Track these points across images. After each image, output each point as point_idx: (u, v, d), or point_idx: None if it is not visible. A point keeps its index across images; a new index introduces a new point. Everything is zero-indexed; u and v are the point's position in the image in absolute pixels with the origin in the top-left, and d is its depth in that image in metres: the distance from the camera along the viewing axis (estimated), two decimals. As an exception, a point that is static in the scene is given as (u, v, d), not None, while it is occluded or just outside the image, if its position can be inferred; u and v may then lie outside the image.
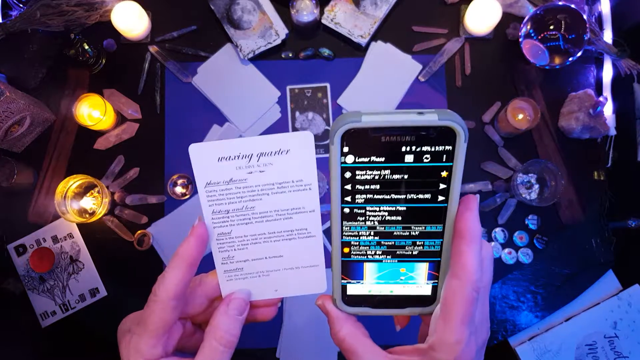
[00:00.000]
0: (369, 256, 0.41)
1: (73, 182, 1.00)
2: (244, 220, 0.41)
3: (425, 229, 0.39)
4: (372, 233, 0.39)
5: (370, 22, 1.07)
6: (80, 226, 1.06)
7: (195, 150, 0.39)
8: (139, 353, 0.39)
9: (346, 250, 0.40)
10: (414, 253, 0.40)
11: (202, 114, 1.10)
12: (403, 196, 0.37)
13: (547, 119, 1.08)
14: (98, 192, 1.02)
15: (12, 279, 1.07)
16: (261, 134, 1.09)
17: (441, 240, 0.39)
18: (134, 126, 1.08)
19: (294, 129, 1.09)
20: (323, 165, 1.07)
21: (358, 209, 0.38)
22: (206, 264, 0.42)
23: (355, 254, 0.41)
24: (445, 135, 0.34)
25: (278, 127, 1.10)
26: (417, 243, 0.40)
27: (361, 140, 0.35)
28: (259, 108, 1.10)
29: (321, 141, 1.08)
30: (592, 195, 1.07)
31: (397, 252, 0.40)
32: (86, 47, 1.04)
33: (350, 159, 0.36)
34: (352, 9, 1.08)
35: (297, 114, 1.10)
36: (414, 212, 0.38)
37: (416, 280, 0.41)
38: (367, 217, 0.39)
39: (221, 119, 1.10)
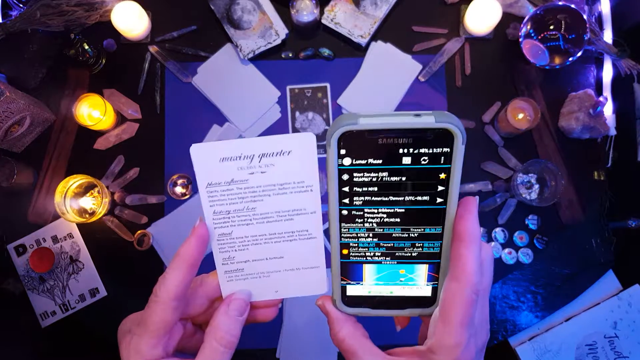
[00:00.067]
0: (368, 258, 0.41)
1: (73, 182, 1.00)
2: (245, 221, 0.41)
3: (424, 230, 0.39)
4: (370, 235, 0.39)
5: (370, 22, 1.07)
6: (80, 226, 1.06)
7: (197, 151, 0.39)
8: (140, 353, 0.39)
9: (345, 251, 0.40)
10: (413, 255, 0.40)
11: (202, 114, 1.10)
12: (401, 198, 0.37)
13: (547, 119, 1.08)
14: (98, 192, 1.02)
15: (12, 279, 1.07)
16: (261, 134, 1.09)
17: (440, 242, 0.39)
18: (134, 126, 1.08)
19: (294, 129, 1.09)
20: (323, 166, 1.07)
21: (356, 211, 0.38)
22: (207, 264, 0.42)
23: (354, 256, 0.41)
24: (443, 137, 0.34)
25: (278, 127, 1.10)
26: (416, 245, 0.39)
27: (358, 142, 0.35)
28: (259, 108, 1.10)
29: (321, 141, 1.08)
30: (592, 195, 1.07)
31: (396, 254, 0.40)
32: (86, 47, 1.04)
33: (347, 161, 0.36)
34: (352, 9, 1.08)
35: (297, 114, 1.10)
36: (413, 214, 0.38)
37: (416, 282, 0.41)
38: (366, 219, 0.39)
39: (221, 119, 1.10)
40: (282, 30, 1.09)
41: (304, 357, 1.04)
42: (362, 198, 0.37)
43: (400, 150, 0.35)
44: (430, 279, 0.41)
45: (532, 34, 1.02)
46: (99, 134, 1.07)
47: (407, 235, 0.39)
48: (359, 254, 0.40)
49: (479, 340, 0.38)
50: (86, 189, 1.04)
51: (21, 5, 1.07)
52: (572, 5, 1.00)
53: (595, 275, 1.06)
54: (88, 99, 1.02)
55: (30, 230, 1.06)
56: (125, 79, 1.10)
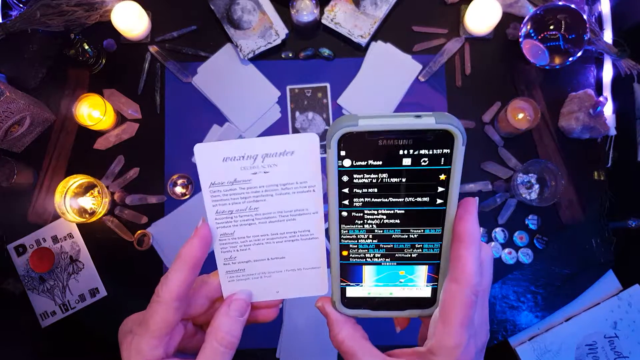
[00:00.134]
0: (367, 259, 0.41)
1: (73, 182, 1.00)
2: (247, 221, 0.41)
3: (424, 232, 0.39)
4: (370, 236, 0.39)
5: (370, 22, 1.07)
6: (80, 226, 1.06)
7: (201, 150, 0.39)
8: (141, 354, 0.39)
9: (345, 253, 0.40)
10: (413, 256, 0.40)
11: (202, 114, 1.10)
12: (401, 199, 0.37)
13: (547, 119, 1.08)
14: (98, 192, 1.02)
15: (12, 279, 1.07)
16: (261, 134, 1.09)
17: (440, 243, 0.39)
18: (134, 126, 1.08)
19: (294, 129, 1.09)
20: (323, 165, 1.07)
21: (356, 212, 0.38)
22: (208, 264, 0.42)
23: (354, 257, 0.41)
24: (443, 138, 0.34)
25: (278, 127, 1.10)
26: (416, 246, 0.39)
27: (358, 143, 0.35)
28: (259, 108, 1.10)
29: (321, 141, 1.08)
30: (592, 195, 1.07)
31: (396, 255, 0.40)
32: (86, 47, 1.04)
33: (347, 162, 0.36)
34: (352, 9, 1.08)
35: (297, 114, 1.10)
36: (413, 215, 0.38)
37: (416, 283, 0.41)
38: (365, 220, 0.39)
39: (221, 119, 1.10)
40: (282, 30, 1.09)
41: (304, 357, 1.04)
42: (362, 199, 0.37)
43: (400, 152, 0.35)
44: (430, 280, 0.41)
45: (532, 34, 1.02)
46: (99, 134, 1.07)
47: (407, 236, 0.39)
48: (359, 256, 0.40)
49: (479, 341, 0.38)
50: (86, 189, 1.04)
51: (21, 5, 1.07)
52: (572, 5, 1.00)
53: (595, 275, 1.06)
54: (88, 99, 1.01)
55: (30, 230, 1.06)
56: (125, 79, 1.10)
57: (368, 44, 1.10)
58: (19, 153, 1.07)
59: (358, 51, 1.11)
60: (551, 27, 1.01)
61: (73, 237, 1.06)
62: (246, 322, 0.42)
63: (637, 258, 1.08)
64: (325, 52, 1.09)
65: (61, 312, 1.05)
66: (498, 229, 1.06)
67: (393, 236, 0.39)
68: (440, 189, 0.36)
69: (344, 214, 0.38)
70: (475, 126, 1.09)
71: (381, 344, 0.40)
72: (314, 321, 1.04)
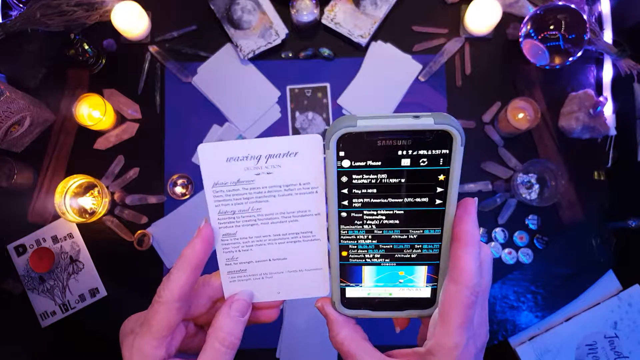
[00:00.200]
0: (367, 260, 0.41)
1: (73, 182, 1.00)
2: (250, 221, 0.41)
3: (423, 232, 0.39)
4: (369, 237, 0.39)
5: (370, 22, 1.07)
6: (80, 226, 1.06)
7: (204, 150, 0.39)
8: (142, 354, 0.39)
9: (344, 253, 0.40)
10: (412, 256, 0.40)
11: (202, 114, 1.10)
12: (400, 200, 0.37)
13: (547, 119, 1.08)
14: (98, 192, 1.02)
15: (12, 279, 1.07)
16: (261, 134, 1.09)
17: (440, 243, 0.39)
18: (134, 126, 1.08)
19: (294, 129, 1.09)
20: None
21: (355, 213, 0.38)
22: (209, 264, 0.42)
23: (354, 258, 0.41)
24: (442, 138, 0.34)
25: (278, 127, 1.10)
26: (416, 246, 0.39)
27: (357, 144, 0.35)
28: (259, 108, 1.10)
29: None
30: (592, 195, 1.07)
31: (396, 256, 0.40)
32: (86, 47, 1.04)
33: (346, 163, 0.36)
34: (352, 9, 1.08)
35: (297, 114, 1.10)
36: (412, 216, 0.38)
37: (415, 283, 0.41)
38: (365, 221, 0.39)
39: (221, 119, 1.10)
40: (282, 30, 1.09)
41: (304, 358, 1.04)
42: (361, 200, 0.37)
43: (399, 152, 0.35)
44: (430, 280, 0.41)
45: (532, 34, 1.02)
46: (99, 134, 1.07)
47: (406, 236, 0.39)
48: (358, 256, 0.40)
49: (478, 341, 0.38)
50: (86, 189, 1.04)
51: (21, 5, 1.07)
52: (572, 5, 1.00)
53: (595, 275, 1.06)
54: (88, 99, 1.01)
55: (30, 230, 1.06)
56: (125, 79, 1.10)
57: (368, 44, 1.10)
58: (19, 153, 1.07)
59: (358, 51, 1.11)
60: (551, 27, 1.01)
61: (73, 237, 1.06)
62: (247, 322, 0.42)
63: (637, 258, 1.08)
64: (325, 52, 1.09)
65: (61, 312, 1.05)
66: (498, 229, 1.06)
67: (392, 237, 0.39)
68: (439, 190, 0.36)
69: (343, 214, 0.38)
70: (475, 126, 1.09)
71: (381, 344, 0.40)
72: (314, 321, 1.04)
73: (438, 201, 0.37)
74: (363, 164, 0.36)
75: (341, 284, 0.42)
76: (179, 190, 1.07)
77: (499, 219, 1.06)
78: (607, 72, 1.09)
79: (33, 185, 1.06)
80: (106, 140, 1.07)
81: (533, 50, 1.03)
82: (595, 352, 1.02)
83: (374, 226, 0.39)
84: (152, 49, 1.10)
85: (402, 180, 0.36)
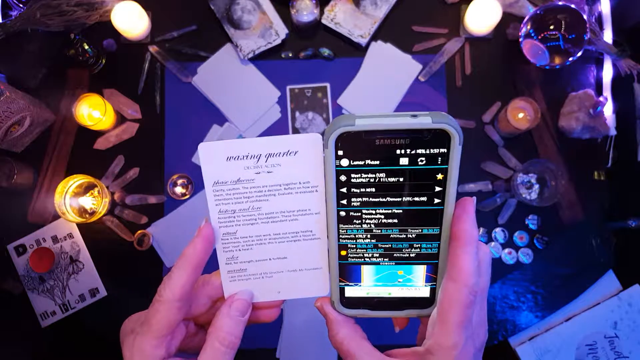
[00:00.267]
0: (366, 259, 0.41)
1: (73, 182, 1.00)
2: (250, 220, 0.41)
3: (422, 231, 0.39)
4: (368, 236, 0.39)
5: (370, 22, 1.07)
6: (80, 226, 1.06)
7: (205, 149, 0.39)
8: (143, 353, 0.39)
9: (343, 253, 0.40)
10: (411, 256, 0.40)
11: (202, 114, 1.10)
12: (399, 199, 0.37)
13: (547, 119, 1.08)
14: (98, 192, 1.02)
15: (12, 279, 1.07)
16: (261, 134, 1.09)
17: (438, 242, 0.39)
18: (134, 126, 1.08)
19: (294, 129, 1.09)
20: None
21: (354, 212, 0.38)
22: (210, 264, 0.42)
23: (353, 257, 0.41)
24: (440, 137, 0.34)
25: (278, 127, 1.10)
26: (414, 246, 0.40)
27: (355, 143, 0.35)
28: (259, 108, 1.10)
29: (321, 141, 1.08)
30: (592, 195, 1.07)
31: (395, 255, 0.40)
32: (86, 47, 1.04)
33: (345, 162, 0.36)
34: (352, 8, 1.08)
35: (297, 114, 1.10)
36: (410, 215, 0.38)
37: (414, 283, 0.41)
38: (364, 220, 0.39)
39: (221, 119, 1.10)
40: (282, 30, 1.09)
41: (304, 357, 1.04)
42: (359, 199, 0.38)
43: (398, 151, 0.35)
44: (429, 279, 0.41)
45: (532, 34, 1.02)
46: (99, 134, 1.07)
47: (405, 236, 0.39)
48: (357, 255, 0.40)
49: (477, 341, 0.38)
50: (86, 189, 1.04)
51: (21, 5, 1.07)
52: (572, 5, 1.00)
53: (595, 275, 1.06)
54: (88, 99, 1.01)
55: (30, 230, 1.05)
56: (125, 79, 1.10)
57: (368, 44, 1.10)
58: (19, 153, 1.07)
59: (358, 51, 1.11)
60: (551, 27, 1.01)
61: (73, 237, 1.06)
62: (247, 322, 0.42)
63: (637, 258, 1.08)
64: (325, 52, 1.09)
65: (61, 312, 1.05)
66: (498, 229, 1.06)
67: (391, 236, 0.39)
68: (437, 189, 0.36)
69: (342, 213, 0.38)
70: (475, 126, 1.09)
71: (380, 344, 0.40)
72: (314, 321, 1.04)
73: (436, 200, 0.37)
74: (361, 163, 0.36)
75: (340, 284, 0.42)
76: (179, 190, 1.07)
77: (499, 219, 1.06)
78: (607, 72, 1.09)
79: (33, 185, 1.06)
80: (106, 140, 1.07)
81: (533, 50, 1.03)
82: (595, 352, 1.02)
83: (372, 225, 0.39)
84: (152, 49, 1.10)
85: (401, 180, 0.36)
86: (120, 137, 1.08)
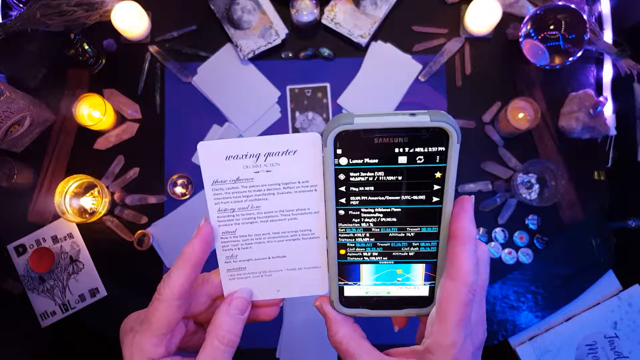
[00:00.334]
0: (365, 258, 0.41)
1: (73, 182, 1.00)
2: (249, 219, 0.41)
3: (420, 230, 0.39)
4: (367, 235, 0.39)
5: (370, 22, 1.07)
6: (80, 226, 1.06)
7: (204, 148, 0.39)
8: (142, 351, 0.39)
9: (342, 252, 0.40)
10: (410, 254, 0.40)
11: (202, 114, 1.10)
12: (397, 197, 0.37)
13: (547, 119, 1.08)
14: (98, 192, 1.02)
15: (12, 279, 1.07)
16: (261, 134, 1.09)
17: (437, 241, 0.39)
18: (134, 126, 1.08)
19: (294, 129, 1.09)
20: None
21: (353, 211, 0.38)
22: (209, 262, 0.42)
23: (352, 256, 0.41)
24: (438, 136, 0.34)
25: (278, 127, 1.10)
26: (413, 244, 0.40)
27: (354, 142, 0.35)
28: (259, 108, 1.10)
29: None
30: (592, 195, 1.07)
31: (393, 254, 0.40)
32: (86, 47, 1.04)
33: (344, 160, 0.36)
34: (352, 8, 1.08)
35: (297, 114, 1.10)
36: (409, 214, 0.38)
37: (413, 282, 0.41)
38: (362, 218, 0.39)
39: (221, 119, 1.10)
40: (282, 30, 1.09)
41: (304, 357, 1.04)
42: (358, 198, 0.38)
43: (396, 150, 0.35)
44: (428, 278, 0.41)
45: (532, 34, 1.02)
46: (99, 134, 1.07)
47: (403, 234, 0.39)
48: (356, 254, 0.41)
49: (476, 339, 0.38)
50: (86, 189, 1.04)
51: (21, 5, 1.07)
52: (572, 5, 1.00)
53: (595, 275, 1.06)
54: (88, 99, 1.02)
55: (30, 230, 1.06)
56: (125, 79, 1.10)
57: (368, 44, 1.10)
58: (19, 153, 1.07)
59: (358, 51, 1.11)
60: (551, 27, 1.01)
61: (73, 237, 1.06)
62: (247, 320, 0.42)
63: (637, 258, 1.08)
64: (325, 52, 1.09)
65: (61, 312, 1.05)
66: (498, 229, 1.06)
67: (390, 234, 0.39)
68: (436, 187, 0.37)
69: (341, 212, 0.38)
70: (475, 126, 1.09)
71: (379, 344, 0.40)
72: (313, 321, 1.04)
73: (435, 199, 0.37)
74: (360, 161, 0.36)
75: (339, 283, 0.42)
76: (179, 190, 1.07)
77: (499, 219, 1.06)
78: (607, 72, 1.09)
79: (33, 185, 1.06)
80: (106, 140, 1.08)
81: (533, 50, 1.03)
82: (595, 352, 1.02)
83: (371, 224, 0.39)
84: (152, 49, 1.10)
85: (399, 178, 0.36)
86: (120, 137, 1.08)
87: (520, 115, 1.02)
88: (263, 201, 0.40)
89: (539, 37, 1.02)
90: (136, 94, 1.10)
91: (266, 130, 1.09)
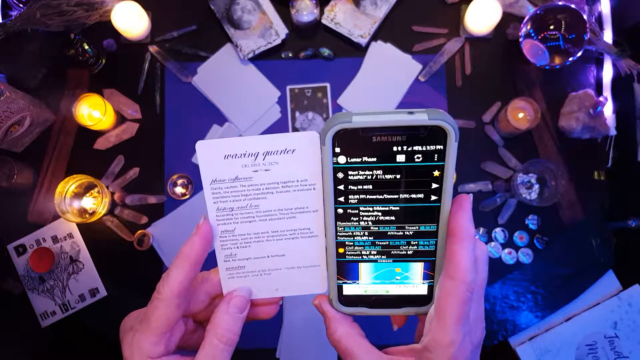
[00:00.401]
0: (363, 256, 0.41)
1: (73, 182, 1.00)
2: (248, 218, 0.41)
3: (419, 228, 0.39)
4: (366, 233, 0.39)
5: (370, 22, 1.07)
6: (80, 226, 1.06)
7: (202, 147, 0.39)
8: (142, 350, 0.39)
9: (341, 250, 0.41)
10: (408, 253, 0.40)
11: (202, 114, 1.10)
12: (396, 196, 0.37)
13: (547, 119, 1.08)
14: (98, 192, 1.02)
15: (12, 279, 1.07)
16: (261, 134, 1.09)
17: (436, 239, 0.39)
18: (134, 126, 1.08)
19: (294, 129, 1.09)
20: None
21: (351, 210, 0.38)
22: (208, 261, 0.42)
23: (350, 254, 0.41)
24: (436, 134, 0.34)
25: (278, 127, 1.10)
26: (412, 243, 0.40)
27: (353, 140, 0.35)
28: (259, 108, 1.10)
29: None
30: (592, 195, 1.07)
31: (392, 252, 0.40)
32: (86, 47, 1.04)
33: (342, 159, 0.36)
34: (352, 8, 1.08)
35: (297, 114, 1.10)
36: (408, 212, 0.38)
37: (412, 280, 0.41)
38: (361, 217, 0.39)
39: (221, 119, 1.10)
40: (282, 30, 1.09)
41: (304, 357, 1.04)
42: (357, 196, 0.38)
43: (394, 148, 0.35)
44: (426, 277, 0.41)
45: (532, 34, 1.02)
46: (99, 134, 1.07)
47: (402, 233, 0.39)
48: (355, 253, 0.41)
49: (474, 337, 0.38)
50: (86, 189, 1.04)
51: (21, 5, 1.07)
52: (572, 5, 1.01)
53: (595, 275, 1.06)
54: (88, 99, 1.02)
55: (30, 230, 1.06)
56: (125, 79, 1.10)
57: (368, 44, 1.10)
58: (19, 153, 1.07)
59: (358, 51, 1.11)
60: (551, 27, 1.01)
61: (73, 237, 1.06)
62: (246, 319, 0.42)
63: (637, 258, 1.08)
64: (325, 52, 1.09)
65: (61, 312, 1.05)
66: (498, 229, 1.06)
67: (389, 233, 0.39)
68: (434, 186, 0.37)
69: (340, 211, 0.39)
70: (475, 126, 1.09)
71: (379, 343, 0.40)
72: (313, 321, 1.04)
73: (433, 197, 0.37)
74: (359, 160, 0.36)
75: (338, 281, 0.42)
76: (179, 190, 1.07)
77: (499, 219, 1.06)
78: (607, 72, 1.09)
79: (33, 185, 1.06)
80: (106, 140, 1.08)
81: (533, 50, 1.03)
82: (595, 352, 1.02)
83: (370, 222, 0.39)
84: (152, 49, 1.10)
85: (398, 177, 0.36)
86: (120, 137, 1.08)
87: (520, 115, 1.02)
88: (262, 200, 0.40)
89: (539, 37, 1.02)
90: (136, 94, 1.10)
91: (266, 130, 1.10)
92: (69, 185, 1.00)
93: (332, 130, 0.35)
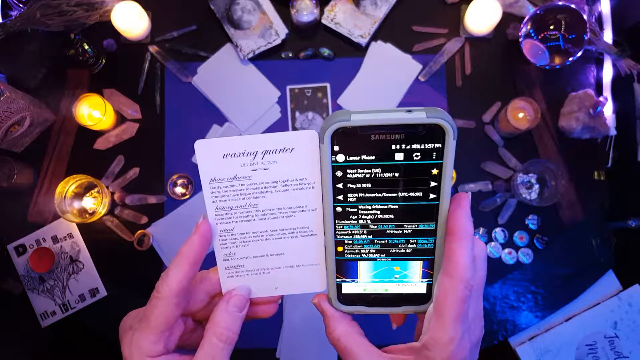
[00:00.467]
0: (362, 255, 0.41)
1: (73, 182, 1.00)
2: (247, 217, 0.41)
3: (418, 227, 0.39)
4: (365, 232, 0.39)
5: (370, 22, 1.07)
6: (80, 226, 1.06)
7: (201, 146, 0.39)
8: (141, 349, 0.39)
9: (340, 249, 0.41)
10: (407, 251, 0.40)
11: (202, 114, 1.10)
12: (394, 194, 0.37)
13: (547, 119, 1.08)
14: (98, 192, 1.02)
15: (12, 279, 1.07)
16: (261, 134, 1.09)
17: (434, 238, 0.39)
18: (134, 126, 1.08)
19: (294, 129, 1.09)
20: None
21: (350, 208, 0.38)
22: (208, 260, 0.42)
23: (349, 253, 0.41)
24: (435, 132, 0.35)
25: (278, 127, 1.10)
26: (411, 241, 0.40)
27: (351, 138, 0.35)
28: (259, 108, 1.10)
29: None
30: (592, 195, 1.07)
31: (391, 251, 0.40)
32: (86, 47, 1.04)
33: (341, 157, 0.36)
34: (352, 8, 1.08)
35: (297, 113, 1.10)
36: (406, 210, 0.38)
37: (411, 279, 0.41)
38: (360, 215, 0.39)
39: (221, 119, 1.10)
40: (282, 30, 1.09)
41: (303, 357, 1.04)
42: (356, 195, 0.38)
43: (393, 146, 0.35)
44: (425, 275, 0.41)
45: (532, 34, 1.02)
46: (99, 134, 1.07)
47: (401, 231, 0.39)
48: (354, 251, 0.41)
49: (473, 335, 0.38)
50: (86, 189, 1.04)
51: (21, 5, 1.07)
52: (572, 5, 1.01)
53: (595, 275, 1.06)
54: (88, 99, 1.02)
55: (30, 230, 1.06)
56: (125, 79, 1.10)
57: (368, 44, 1.10)
58: (19, 153, 1.07)
59: (358, 51, 1.11)
60: (551, 27, 1.01)
61: (73, 237, 1.06)
62: (245, 317, 0.42)
63: (637, 258, 1.08)
64: (325, 52, 1.09)
65: (61, 312, 1.05)
66: (498, 229, 1.06)
67: (387, 231, 0.39)
68: (432, 184, 0.37)
69: (339, 209, 0.39)
70: (475, 126, 1.09)
71: (378, 342, 0.40)
72: (313, 321, 1.04)
73: (432, 195, 0.37)
74: (357, 158, 0.36)
75: (337, 280, 0.42)
76: (179, 190, 1.07)
77: (499, 219, 1.06)
78: (607, 72, 1.09)
79: (33, 185, 1.07)
80: (106, 140, 1.08)
81: (533, 50, 1.03)
82: (595, 352, 1.02)
83: (369, 221, 0.39)
84: (152, 49, 1.10)
85: (396, 175, 0.36)
86: (120, 137, 1.08)
87: (520, 115, 1.02)
88: (261, 199, 0.40)
89: (539, 37, 1.02)
90: (136, 94, 1.10)
91: (266, 130, 1.10)
92: (69, 185, 1.00)
93: (331, 129, 0.35)
